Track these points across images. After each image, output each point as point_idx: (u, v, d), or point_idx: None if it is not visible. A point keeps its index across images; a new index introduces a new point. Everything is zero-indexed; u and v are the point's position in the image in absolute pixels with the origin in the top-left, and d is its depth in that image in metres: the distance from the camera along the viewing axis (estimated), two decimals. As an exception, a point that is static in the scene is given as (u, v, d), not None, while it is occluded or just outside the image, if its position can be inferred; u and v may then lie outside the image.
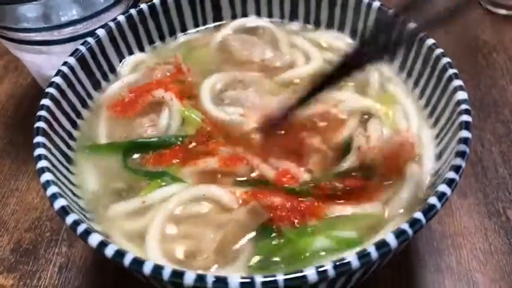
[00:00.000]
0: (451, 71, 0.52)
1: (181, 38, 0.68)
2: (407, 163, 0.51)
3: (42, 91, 0.79)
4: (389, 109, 0.57)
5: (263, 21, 0.68)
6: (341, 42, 0.66)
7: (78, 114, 0.58)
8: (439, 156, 0.51)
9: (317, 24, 0.68)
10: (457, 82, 0.51)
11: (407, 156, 0.51)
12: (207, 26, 0.69)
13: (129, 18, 0.62)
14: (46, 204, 0.70)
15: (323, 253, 0.45)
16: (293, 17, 0.68)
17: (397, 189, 0.50)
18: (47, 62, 0.71)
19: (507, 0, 0.94)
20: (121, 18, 0.62)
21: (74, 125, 0.57)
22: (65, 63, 0.56)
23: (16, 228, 0.67)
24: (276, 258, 0.45)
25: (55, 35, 0.66)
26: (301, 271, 0.37)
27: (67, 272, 0.62)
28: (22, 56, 0.73)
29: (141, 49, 0.66)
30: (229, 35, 0.66)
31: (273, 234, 0.47)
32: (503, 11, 0.95)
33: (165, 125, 0.57)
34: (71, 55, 0.57)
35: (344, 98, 0.58)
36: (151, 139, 0.55)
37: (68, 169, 0.52)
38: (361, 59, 0.46)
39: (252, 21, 0.68)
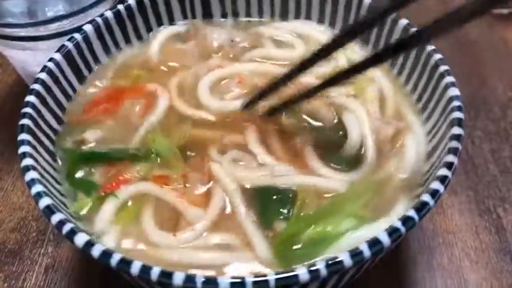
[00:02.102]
0: (442, 68, 0.51)
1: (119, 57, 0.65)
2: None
3: (27, 88, 0.78)
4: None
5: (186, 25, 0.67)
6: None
7: (64, 111, 0.56)
8: (431, 153, 0.50)
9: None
10: (449, 79, 0.50)
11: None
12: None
13: (117, 14, 0.61)
14: (32, 204, 0.68)
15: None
16: (284, 15, 0.68)
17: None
18: (32, 58, 0.69)
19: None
20: (108, 14, 0.60)
21: (60, 121, 0.55)
22: (50, 59, 0.55)
23: (1, 228, 0.66)
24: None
25: (41, 30, 0.64)
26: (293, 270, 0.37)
27: (53, 273, 0.60)
28: (7, 52, 0.71)
29: (129, 44, 0.64)
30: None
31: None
32: (494, 10, 0.95)
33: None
34: (57, 51, 0.56)
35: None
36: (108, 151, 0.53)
37: (53, 167, 0.51)
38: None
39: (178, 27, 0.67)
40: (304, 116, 0.55)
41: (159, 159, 0.52)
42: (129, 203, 0.49)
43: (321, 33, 0.65)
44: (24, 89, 0.80)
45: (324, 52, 0.46)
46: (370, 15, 0.45)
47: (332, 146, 0.52)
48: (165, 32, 0.66)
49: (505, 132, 0.73)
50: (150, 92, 0.58)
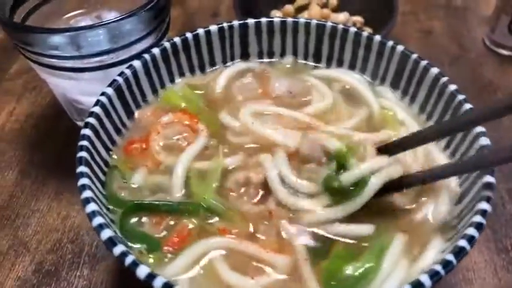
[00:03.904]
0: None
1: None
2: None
3: (63, 111, 0.81)
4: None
5: (254, 63, 0.71)
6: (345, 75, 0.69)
7: (114, 143, 0.59)
8: (461, 197, 0.53)
9: (339, 65, 0.71)
10: (479, 128, 0.54)
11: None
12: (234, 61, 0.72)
13: (163, 51, 0.64)
14: (67, 226, 0.71)
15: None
16: (317, 57, 0.71)
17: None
18: (75, 87, 0.72)
19: (510, 41, 0.98)
20: (156, 51, 0.64)
21: (110, 153, 0.58)
22: (103, 94, 0.58)
23: (38, 249, 0.68)
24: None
25: (85, 62, 0.68)
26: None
27: (89, 296, 0.63)
28: (50, 79, 0.74)
29: (172, 81, 0.68)
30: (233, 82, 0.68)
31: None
32: (505, 52, 0.99)
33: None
34: (109, 85, 0.59)
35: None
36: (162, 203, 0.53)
37: (105, 197, 0.54)
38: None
39: (242, 65, 0.71)
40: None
41: (217, 217, 0.53)
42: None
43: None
44: (58, 111, 0.84)
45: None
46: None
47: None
48: (236, 66, 0.70)
49: (521, 172, 0.77)
50: (194, 127, 0.61)
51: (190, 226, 0.52)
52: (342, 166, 0.52)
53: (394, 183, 0.52)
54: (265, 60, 0.72)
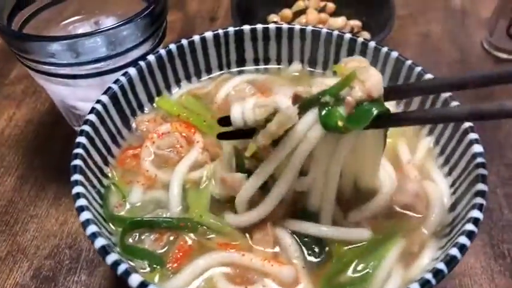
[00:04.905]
0: (467, 124, 0.55)
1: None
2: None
3: (61, 118, 0.81)
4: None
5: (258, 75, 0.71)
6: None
7: (109, 151, 0.60)
8: (454, 205, 0.54)
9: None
10: (473, 135, 0.54)
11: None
12: (230, 69, 0.72)
13: (159, 58, 0.65)
14: (65, 232, 0.72)
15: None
16: (313, 63, 0.72)
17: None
18: (72, 94, 0.73)
19: (508, 45, 0.98)
20: (151, 58, 0.64)
21: (106, 161, 0.59)
22: (98, 102, 0.58)
23: (36, 255, 0.69)
24: None
25: (82, 69, 0.68)
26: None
27: (87, 301, 0.63)
28: (47, 86, 0.75)
29: (168, 88, 0.68)
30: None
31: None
32: (504, 55, 0.99)
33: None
34: (104, 93, 0.59)
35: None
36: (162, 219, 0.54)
37: (100, 205, 0.54)
38: None
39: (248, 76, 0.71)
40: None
41: (213, 234, 0.53)
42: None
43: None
44: (57, 117, 0.85)
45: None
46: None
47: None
48: (239, 78, 0.70)
49: (519, 177, 0.77)
50: (191, 139, 0.62)
51: (190, 242, 0.52)
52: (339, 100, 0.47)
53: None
54: (270, 66, 0.72)
